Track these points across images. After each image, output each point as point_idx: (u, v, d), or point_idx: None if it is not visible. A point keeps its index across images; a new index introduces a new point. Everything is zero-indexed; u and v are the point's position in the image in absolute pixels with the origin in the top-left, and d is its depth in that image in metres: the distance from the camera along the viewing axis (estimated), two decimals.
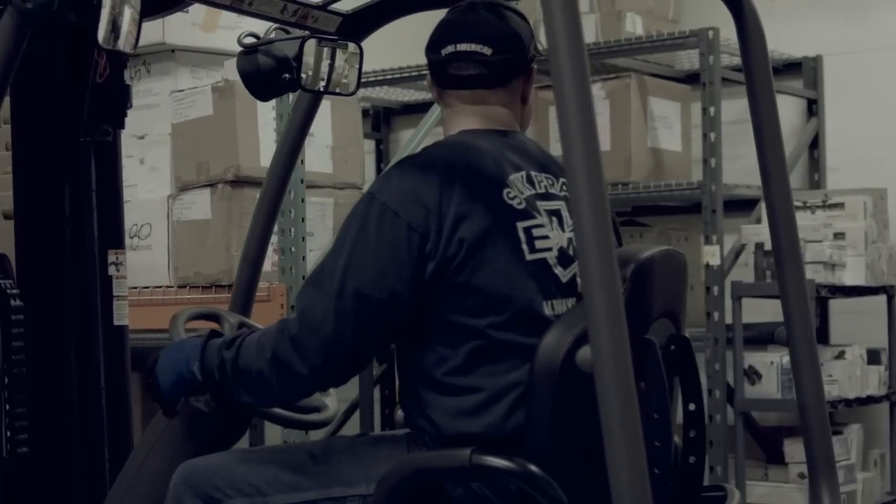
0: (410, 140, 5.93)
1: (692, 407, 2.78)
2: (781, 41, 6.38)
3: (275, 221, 3.52)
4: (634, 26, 6.33)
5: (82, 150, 3.19)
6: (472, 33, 2.79)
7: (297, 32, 3.20)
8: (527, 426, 2.58)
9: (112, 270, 3.23)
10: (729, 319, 5.85)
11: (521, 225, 2.68)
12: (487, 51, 2.78)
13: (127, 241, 4.93)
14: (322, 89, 3.22)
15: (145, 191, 5.42)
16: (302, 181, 5.08)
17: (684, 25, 6.36)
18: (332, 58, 3.19)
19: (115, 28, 2.67)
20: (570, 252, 2.72)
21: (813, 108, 6.68)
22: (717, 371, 5.82)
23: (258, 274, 3.52)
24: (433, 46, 2.83)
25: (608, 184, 5.99)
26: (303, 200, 5.12)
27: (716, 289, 5.87)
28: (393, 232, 2.61)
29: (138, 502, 2.98)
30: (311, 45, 3.15)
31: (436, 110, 5.63)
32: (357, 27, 3.31)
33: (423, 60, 2.87)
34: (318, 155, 5.38)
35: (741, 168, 6.26)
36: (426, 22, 3.06)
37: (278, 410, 3.03)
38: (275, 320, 4.83)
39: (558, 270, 2.71)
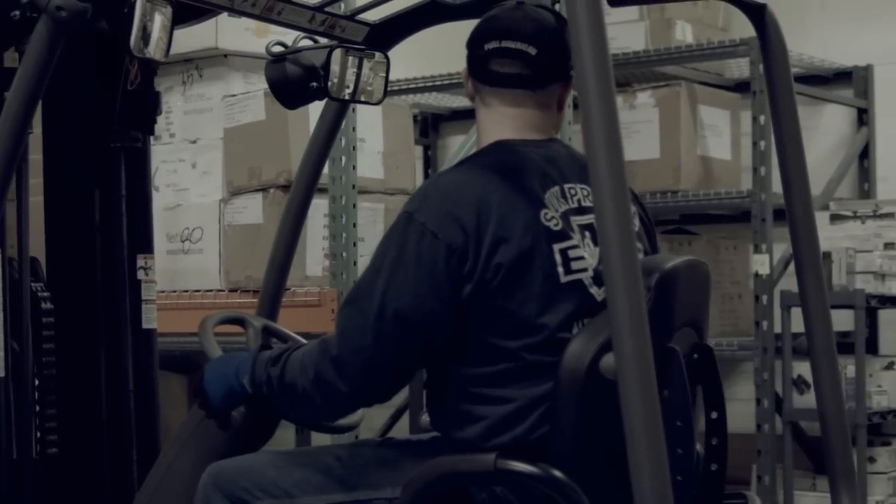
0: (462, 146, 5.92)
1: (714, 415, 2.77)
2: (832, 50, 6.35)
3: (301, 227, 3.53)
4: (684, 34, 6.30)
5: (113, 156, 3.23)
6: (518, 31, 2.75)
7: (325, 42, 3.23)
8: (551, 432, 2.58)
9: (141, 275, 3.27)
10: (778, 329, 5.80)
11: (557, 247, 2.65)
12: (532, 50, 2.73)
13: (178, 244, 5.03)
14: (348, 97, 3.24)
15: (197, 195, 5.44)
16: (353, 186, 5.09)
17: (734, 34, 6.33)
18: (359, 67, 3.22)
19: (145, 36, 2.69)
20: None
21: (863, 117, 6.61)
22: (765, 380, 5.76)
23: (285, 279, 3.53)
24: (476, 41, 2.78)
25: (657, 191, 5.98)
26: (354, 206, 5.11)
27: (765, 298, 5.81)
28: (432, 253, 2.59)
29: (167, 502, 3.01)
30: (338, 54, 3.18)
31: None
32: (384, 37, 3.32)
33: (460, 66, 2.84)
34: (369, 160, 5.38)
35: None
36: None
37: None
38: (326, 325, 4.90)
39: (594, 290, 2.67)
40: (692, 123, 6.16)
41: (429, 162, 7.43)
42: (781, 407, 5.85)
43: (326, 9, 3.12)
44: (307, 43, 3.21)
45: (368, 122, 5.28)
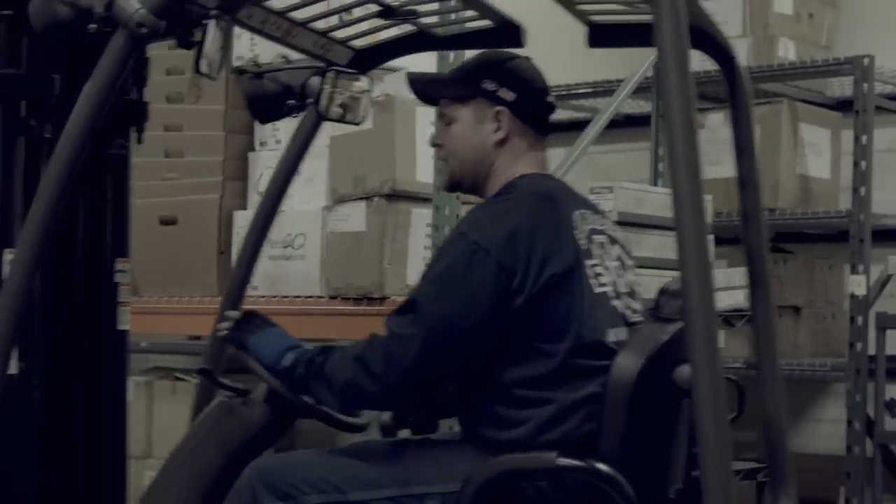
0: (566, 159, 5.67)
1: None
2: None
3: (265, 240, 3.63)
4: (787, 52, 6.31)
5: (106, 162, 3.22)
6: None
7: (302, 62, 3.37)
8: (600, 434, 2.87)
9: (118, 277, 3.24)
10: (872, 350, 5.84)
11: (588, 262, 2.98)
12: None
13: (280, 250, 5.11)
14: (329, 117, 3.41)
15: (300, 201, 5.34)
16: (457, 196, 4.81)
17: (837, 52, 6.38)
18: (342, 87, 3.38)
19: (208, 55, 2.67)
20: (617, 287, 3.03)
21: None
22: (857, 402, 5.80)
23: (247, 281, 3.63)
24: (535, 92, 3.15)
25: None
26: (457, 216, 4.81)
27: (860, 319, 5.87)
28: (483, 269, 2.87)
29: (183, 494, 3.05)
30: (330, 76, 3.35)
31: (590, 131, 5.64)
32: (366, 61, 3.47)
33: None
34: None
35: (889, 197, 6.34)
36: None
37: (324, 409, 3.11)
38: None
39: (615, 303, 3.02)
40: (792, 141, 6.17)
41: None
42: (873, 430, 5.89)
43: (328, 35, 3.25)
44: (281, 62, 3.37)
45: None
